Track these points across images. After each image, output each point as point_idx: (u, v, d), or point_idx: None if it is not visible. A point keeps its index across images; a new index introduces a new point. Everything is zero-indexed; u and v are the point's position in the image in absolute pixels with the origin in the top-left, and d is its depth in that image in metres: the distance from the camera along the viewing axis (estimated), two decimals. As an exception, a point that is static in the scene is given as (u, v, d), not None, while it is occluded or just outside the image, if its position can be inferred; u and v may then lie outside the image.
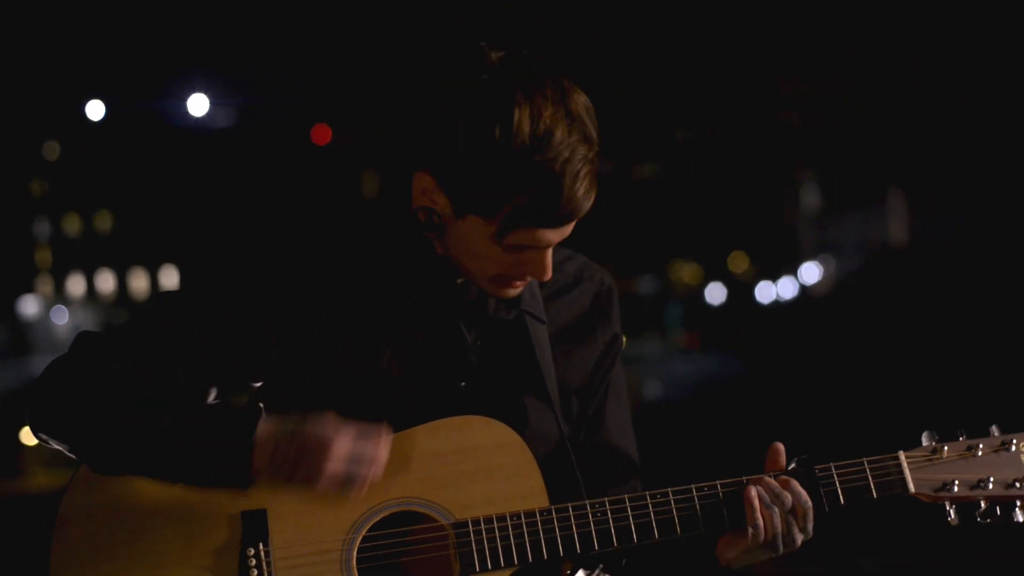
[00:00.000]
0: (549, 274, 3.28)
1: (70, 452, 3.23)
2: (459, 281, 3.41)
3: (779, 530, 3.29)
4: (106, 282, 19.87)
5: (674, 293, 25.99)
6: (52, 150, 14.75)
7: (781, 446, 3.46)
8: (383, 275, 3.37)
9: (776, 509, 3.29)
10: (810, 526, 3.35)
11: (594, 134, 3.26)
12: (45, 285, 18.98)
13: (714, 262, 26.14)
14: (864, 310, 16.97)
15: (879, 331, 15.80)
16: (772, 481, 3.36)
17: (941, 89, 14.06)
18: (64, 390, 3.20)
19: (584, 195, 3.21)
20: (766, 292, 26.04)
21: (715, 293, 26.24)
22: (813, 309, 22.40)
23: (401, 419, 3.29)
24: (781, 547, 3.33)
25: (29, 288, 17.92)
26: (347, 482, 3.12)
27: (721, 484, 3.36)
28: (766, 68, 15.15)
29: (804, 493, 3.34)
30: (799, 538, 3.36)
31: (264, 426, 3.12)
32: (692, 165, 21.60)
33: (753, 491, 3.31)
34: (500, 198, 3.12)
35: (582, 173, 3.19)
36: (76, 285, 19.74)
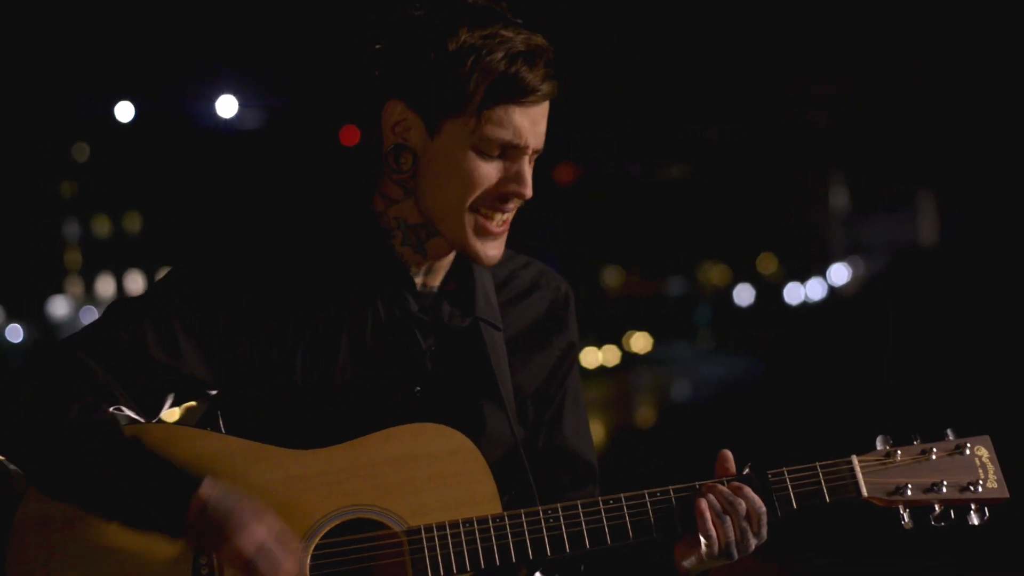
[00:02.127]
0: (529, 188, 3.29)
1: (16, 467, 3.22)
2: (416, 282, 3.42)
3: (732, 538, 3.28)
4: (135, 283, 19.93)
5: (703, 295, 25.98)
6: (82, 152, 14.81)
7: (729, 453, 3.44)
8: (339, 280, 3.37)
9: (728, 518, 3.29)
10: (764, 531, 3.33)
11: (542, 40, 3.34)
12: (75, 286, 19.05)
13: (743, 264, 26.13)
14: (893, 311, 16.93)
15: (908, 332, 15.76)
16: (725, 489, 3.34)
17: (971, 91, 14.02)
18: (15, 412, 3.19)
19: (542, 77, 3.26)
20: (795, 293, 26.02)
21: (743, 294, 26.23)
22: (842, 310, 22.34)
23: (356, 424, 3.28)
24: (736, 554, 3.32)
25: (59, 289, 17.99)
26: (247, 569, 3.14)
27: (674, 490, 3.34)
28: (795, 69, 15.12)
29: (757, 499, 3.31)
30: (753, 543, 3.34)
31: (207, 486, 3.13)
32: (720, 166, 21.57)
33: (704, 502, 3.29)
34: (468, 87, 3.18)
35: (536, 54, 3.25)
36: (105, 286, 19.81)
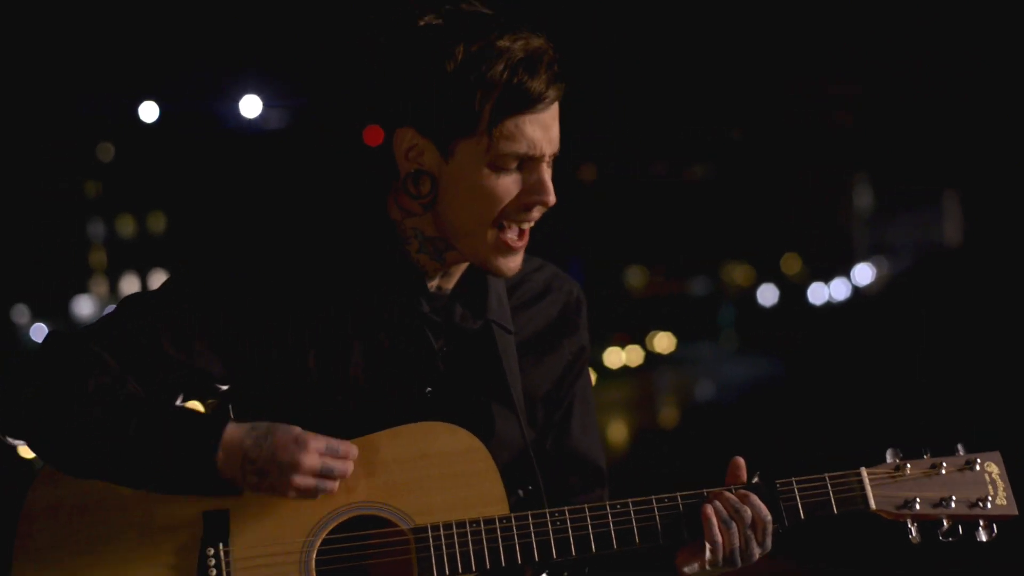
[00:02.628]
0: (551, 195, 3.29)
1: (32, 449, 3.23)
2: (430, 285, 3.43)
3: (737, 545, 3.28)
4: (160, 282, 19.96)
5: (726, 295, 25.94)
6: (106, 152, 14.84)
7: (741, 460, 3.45)
8: (353, 281, 3.38)
9: (734, 525, 3.29)
10: (768, 541, 3.34)
11: (539, 39, 3.31)
12: (99, 286, 19.09)
13: (767, 264, 26.09)
14: (918, 311, 16.89)
15: (933, 332, 15.72)
16: (732, 496, 3.35)
17: (996, 92, 13.98)
18: (30, 392, 3.20)
19: (547, 82, 3.25)
20: (819, 294, 25.97)
21: (767, 295, 26.18)
22: (866, 310, 22.30)
23: (366, 424, 3.29)
24: (739, 562, 3.33)
25: (83, 289, 18.03)
26: (312, 495, 3.15)
27: (681, 496, 3.35)
28: (820, 69, 15.10)
29: (764, 507, 3.32)
30: (757, 552, 3.35)
31: (231, 431, 3.13)
32: (744, 166, 21.55)
33: (710, 508, 3.30)
34: (474, 106, 3.18)
35: (536, 59, 3.24)
36: (130, 286, 19.85)
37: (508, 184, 3.26)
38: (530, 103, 3.22)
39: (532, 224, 3.36)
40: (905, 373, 14.65)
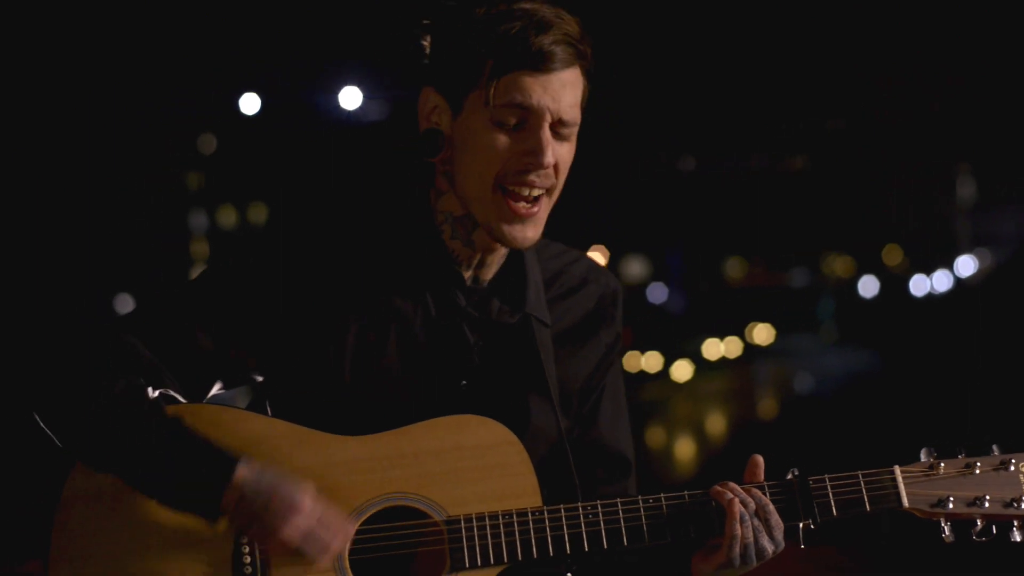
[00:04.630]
0: (545, 156, 3.29)
1: (58, 442, 3.27)
2: (466, 275, 3.44)
3: (750, 539, 3.28)
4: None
5: (826, 286, 25.76)
6: (208, 143, 14.99)
7: (760, 458, 3.44)
8: (392, 273, 3.40)
9: (747, 516, 3.29)
10: (778, 535, 3.33)
11: (567, 15, 3.33)
12: (201, 276, 19.25)
13: (867, 255, 25.87)
14: (1021, 304, 16.69)
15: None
16: (737, 487, 3.35)
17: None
18: (59, 388, 3.23)
19: (553, 41, 3.26)
20: (920, 285, 25.73)
21: (868, 286, 25.96)
22: (968, 302, 22.06)
23: (401, 415, 3.32)
24: (754, 559, 3.32)
25: (186, 279, 18.22)
26: (295, 554, 3.18)
27: (702, 493, 3.37)
28: (923, 59, 14.96)
29: (767, 499, 3.33)
30: (768, 548, 3.33)
31: (243, 470, 3.16)
32: (845, 157, 21.38)
33: (736, 505, 3.30)
34: (480, 59, 3.21)
35: (548, 23, 3.26)
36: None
37: (504, 140, 3.28)
38: (532, 59, 3.24)
39: (538, 193, 3.35)
40: (1008, 367, 14.48)
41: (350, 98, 10.86)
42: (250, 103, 11.03)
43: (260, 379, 3.46)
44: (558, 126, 3.32)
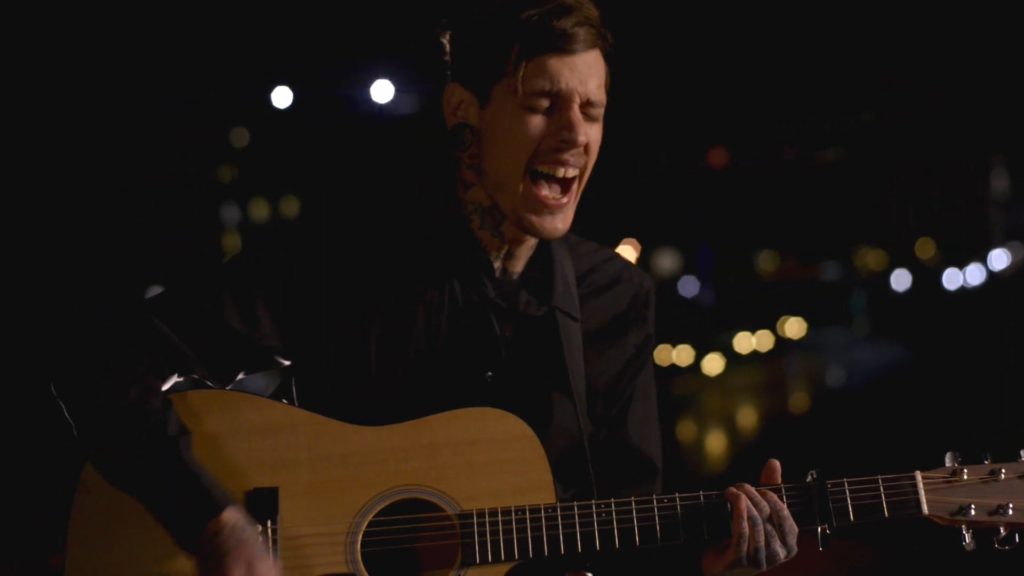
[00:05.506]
0: (579, 133, 3.30)
1: (74, 428, 3.30)
2: (496, 265, 3.44)
3: (761, 543, 3.26)
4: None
5: (859, 280, 25.65)
6: (240, 137, 15.01)
7: (776, 463, 3.43)
8: (420, 262, 3.40)
9: (759, 520, 3.28)
10: (792, 540, 3.31)
11: (586, 2, 3.34)
12: (233, 269, 19.26)
13: (900, 248, 25.75)
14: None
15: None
16: (753, 490, 3.33)
17: None
18: (80, 373, 3.26)
19: (575, 23, 3.28)
20: (953, 279, 25.61)
21: (901, 280, 25.85)
22: (1001, 296, 21.95)
23: (425, 405, 3.33)
24: (764, 562, 3.31)
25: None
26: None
27: (716, 494, 3.36)
28: (956, 52, 14.90)
29: (782, 504, 3.31)
30: (780, 553, 3.32)
31: (227, 515, 3.19)
32: (877, 150, 21.29)
33: (744, 499, 3.29)
34: (504, 46, 3.23)
35: (568, 6, 3.28)
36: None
37: (537, 124, 3.29)
38: (556, 42, 3.25)
39: (571, 173, 3.36)
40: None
41: (382, 91, 10.87)
42: (282, 97, 11.05)
43: (286, 363, 3.48)
44: (586, 107, 3.34)
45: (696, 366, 20.61)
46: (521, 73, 3.26)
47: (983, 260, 25.45)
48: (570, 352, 3.48)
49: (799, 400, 20.00)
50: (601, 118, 3.37)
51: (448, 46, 3.40)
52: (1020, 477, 3.32)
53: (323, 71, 11.15)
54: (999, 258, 25.04)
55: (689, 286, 23.28)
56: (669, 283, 22.78)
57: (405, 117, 11.20)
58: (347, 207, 3.47)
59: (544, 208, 3.34)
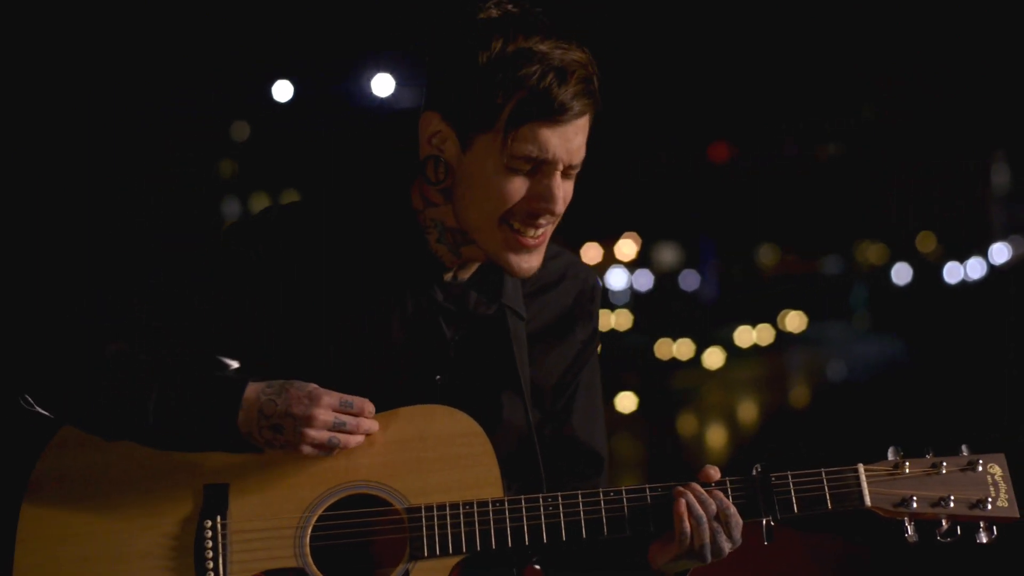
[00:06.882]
0: (559, 204, 3.30)
1: (58, 419, 3.31)
2: (446, 276, 3.46)
3: (707, 540, 3.30)
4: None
5: (859, 273, 25.67)
6: (241, 131, 15.02)
7: (714, 472, 3.45)
8: (372, 270, 3.42)
9: (704, 518, 3.30)
10: (737, 534, 3.34)
11: (582, 53, 3.30)
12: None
13: (901, 242, 25.78)
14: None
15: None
16: (699, 488, 3.36)
17: None
18: (51, 367, 3.27)
19: (573, 95, 3.25)
20: (954, 273, 25.63)
21: (901, 273, 25.87)
22: (1002, 290, 21.97)
23: (377, 410, 3.34)
24: (708, 556, 3.34)
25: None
26: (327, 449, 3.22)
27: (662, 487, 3.38)
28: (957, 47, 14.91)
29: (728, 502, 3.34)
30: (726, 547, 3.35)
31: (250, 391, 3.21)
32: (878, 144, 21.30)
33: (683, 502, 3.32)
34: (497, 102, 3.20)
35: (569, 71, 3.24)
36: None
37: (517, 186, 3.28)
38: (552, 112, 3.23)
39: (544, 230, 3.37)
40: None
41: (382, 85, 10.87)
42: (283, 91, 11.06)
43: (235, 365, 3.50)
44: (568, 169, 3.34)
45: (697, 359, 20.65)
46: (511, 137, 3.25)
47: (984, 254, 25.46)
48: (519, 350, 3.51)
49: (799, 394, 20.03)
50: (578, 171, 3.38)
51: (430, 70, 3.37)
52: (961, 470, 3.36)
53: (324, 65, 11.15)
54: (1000, 252, 25.06)
55: (690, 280, 23.32)
56: (670, 277, 22.82)
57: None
58: (307, 213, 3.49)
59: (522, 248, 3.36)
